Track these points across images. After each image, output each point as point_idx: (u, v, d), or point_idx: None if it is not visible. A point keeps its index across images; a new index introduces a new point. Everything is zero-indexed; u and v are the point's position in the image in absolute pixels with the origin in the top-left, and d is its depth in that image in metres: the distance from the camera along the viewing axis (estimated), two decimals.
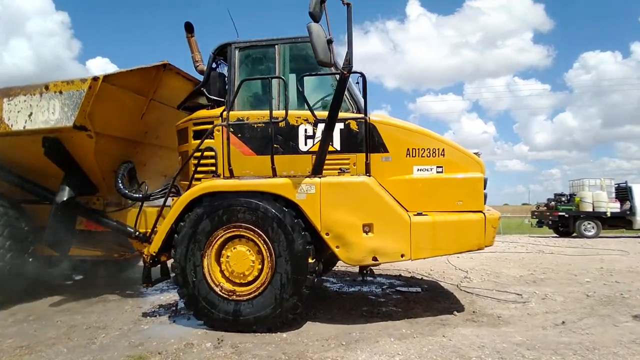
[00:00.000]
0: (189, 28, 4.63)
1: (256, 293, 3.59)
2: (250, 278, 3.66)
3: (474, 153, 3.95)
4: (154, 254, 3.85)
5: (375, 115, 3.94)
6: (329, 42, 3.10)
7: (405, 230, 3.48)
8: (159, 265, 4.11)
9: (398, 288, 5.27)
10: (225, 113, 3.94)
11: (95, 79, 4.09)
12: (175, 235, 3.76)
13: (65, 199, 4.40)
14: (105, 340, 3.46)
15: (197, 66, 4.65)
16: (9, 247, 4.33)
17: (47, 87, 4.19)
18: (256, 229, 3.60)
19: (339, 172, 3.74)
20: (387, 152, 3.80)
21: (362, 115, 3.73)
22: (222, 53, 4.28)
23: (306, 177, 3.62)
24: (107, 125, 4.44)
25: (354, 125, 3.82)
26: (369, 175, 3.72)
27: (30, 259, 4.64)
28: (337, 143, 3.85)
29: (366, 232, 3.50)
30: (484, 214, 3.64)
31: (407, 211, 3.66)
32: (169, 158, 5.53)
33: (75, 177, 4.60)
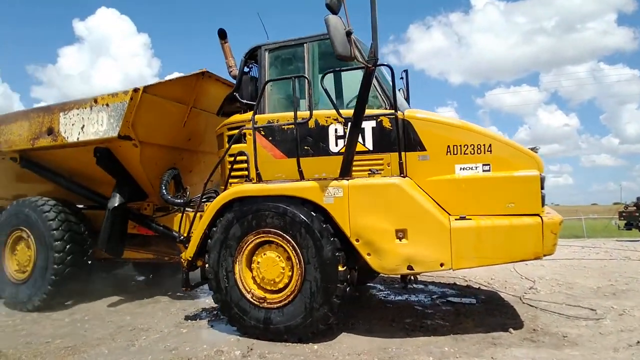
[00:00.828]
0: (222, 34, 4.68)
1: (286, 301, 3.46)
2: (280, 285, 3.54)
3: (531, 148, 3.45)
4: (190, 259, 3.90)
5: (411, 111, 3.63)
6: (348, 34, 2.88)
7: (444, 236, 3.12)
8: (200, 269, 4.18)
9: (450, 298, 4.82)
10: (255, 117, 3.89)
11: (135, 90, 4.28)
12: (209, 240, 3.78)
13: (116, 204, 4.67)
14: (144, 342, 3.56)
15: (231, 71, 4.68)
16: (69, 250, 4.68)
17: (95, 101, 4.48)
18: (285, 235, 3.48)
19: (369, 174, 3.48)
20: (425, 150, 3.46)
21: (392, 112, 3.43)
22: (253, 56, 4.25)
23: (333, 179, 3.42)
24: (150, 134, 4.64)
25: (386, 123, 3.54)
26: (404, 176, 3.42)
27: (89, 262, 4.99)
28: (369, 142, 3.61)
29: (399, 239, 3.20)
30: (541, 217, 3.14)
31: (450, 215, 3.30)
32: (214, 163, 5.66)
33: (126, 184, 4.87)
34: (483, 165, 3.39)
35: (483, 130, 3.49)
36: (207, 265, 3.78)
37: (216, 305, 4.67)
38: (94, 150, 4.59)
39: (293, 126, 3.70)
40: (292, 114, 3.71)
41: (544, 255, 3.20)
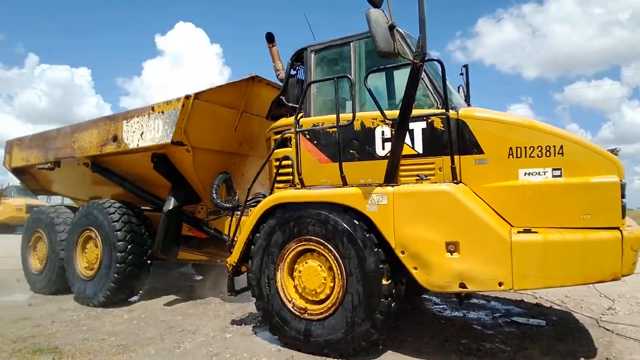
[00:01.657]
0: (269, 38, 4.66)
1: (327, 313, 3.29)
2: (322, 296, 3.38)
3: (610, 150, 2.93)
4: (234, 264, 3.90)
5: (467, 110, 3.27)
6: (391, 28, 2.64)
7: (502, 251, 2.74)
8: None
9: (515, 318, 4.30)
10: (300, 120, 3.79)
11: (187, 97, 4.41)
12: (252, 246, 3.74)
13: (170, 207, 4.86)
14: (189, 345, 3.61)
15: (278, 75, 4.64)
16: (130, 250, 4.96)
17: (153, 109, 4.70)
18: (326, 244, 3.31)
19: (416, 180, 3.19)
20: (482, 153, 3.09)
21: (443, 111, 3.11)
22: (299, 59, 4.16)
23: (377, 185, 3.18)
24: (202, 140, 4.76)
25: (438, 124, 3.22)
26: (457, 183, 3.07)
27: (149, 261, 5.25)
28: (418, 145, 3.32)
29: (450, 252, 2.87)
30: (620, 231, 2.63)
31: (512, 227, 2.90)
32: (265, 167, 5.70)
33: (180, 188, 5.05)
34: (553, 169, 2.92)
35: (553, 129, 3.02)
36: (249, 272, 3.74)
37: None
38: (152, 156, 4.82)
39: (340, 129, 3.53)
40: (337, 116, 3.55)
41: (623, 276, 2.68)
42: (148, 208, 5.66)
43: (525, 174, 2.99)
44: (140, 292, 5.58)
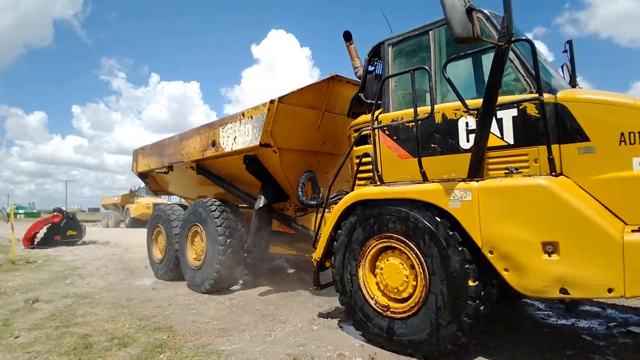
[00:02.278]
0: (347, 36, 4.68)
1: (410, 313, 3.21)
2: (404, 295, 3.31)
3: None
4: (319, 259, 4.03)
5: (567, 92, 2.88)
6: (469, 11, 2.45)
7: (612, 252, 2.36)
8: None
9: (631, 328, 3.67)
10: (379, 115, 3.76)
11: (272, 101, 4.67)
12: (335, 242, 3.83)
13: (261, 205, 5.22)
14: (279, 334, 3.85)
15: (357, 72, 4.64)
16: (229, 244, 5.46)
17: (243, 115, 5.09)
18: (407, 241, 3.23)
19: (505, 173, 2.91)
20: (588, 140, 2.69)
21: (535, 96, 2.78)
22: (377, 54, 4.11)
23: (460, 181, 2.99)
24: (287, 140, 5.00)
25: (531, 110, 2.90)
26: (556, 175, 2.73)
27: (245, 255, 5.72)
28: (508, 135, 3.02)
29: (548, 254, 2.56)
30: None
31: (626, 224, 2.49)
32: (348, 165, 5.76)
33: (270, 187, 5.39)
34: None
35: None
36: (333, 267, 3.84)
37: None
38: (244, 158, 5.23)
39: (419, 123, 3.41)
40: (419, 109, 3.43)
41: None
42: (244, 205, 6.16)
43: None
44: (240, 282, 6.11)
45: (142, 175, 8.14)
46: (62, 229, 13.35)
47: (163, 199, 21.02)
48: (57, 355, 3.38)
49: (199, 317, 4.47)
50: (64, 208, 15.50)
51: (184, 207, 7.07)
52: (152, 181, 8.17)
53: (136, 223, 24.60)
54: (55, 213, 13.66)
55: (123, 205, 27.01)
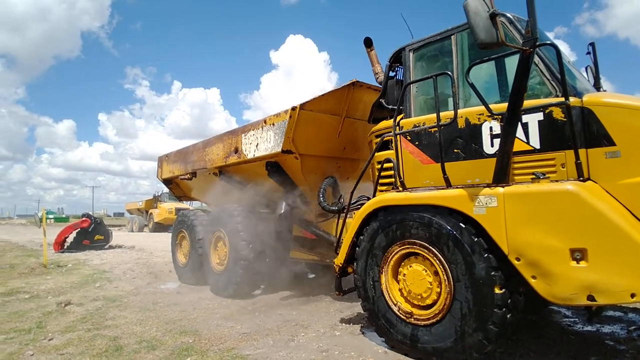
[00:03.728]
0: (368, 43, 4.70)
1: (434, 320, 3.18)
2: (428, 301, 3.28)
3: None
4: (341, 265, 4.04)
5: (593, 95, 2.82)
6: (493, 16, 2.44)
7: (637, 258, 2.29)
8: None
9: None
10: (401, 121, 3.76)
11: (293, 108, 4.73)
12: (357, 248, 3.83)
13: (282, 211, 5.28)
14: (302, 339, 3.88)
15: (377, 78, 4.65)
16: (251, 250, 5.54)
17: (265, 122, 5.17)
18: (431, 247, 3.21)
19: (532, 179, 2.86)
20: (614, 144, 2.64)
21: (561, 100, 2.73)
22: (398, 60, 4.12)
23: (485, 186, 2.96)
24: (308, 147, 5.05)
25: (557, 114, 2.85)
26: (584, 180, 2.67)
27: (267, 260, 5.78)
28: (534, 139, 2.97)
29: (576, 260, 2.51)
30: None
31: None
32: (369, 171, 5.76)
33: (291, 192, 5.45)
34: None
35: None
36: (355, 273, 3.84)
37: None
38: (266, 164, 5.31)
39: (441, 128, 3.40)
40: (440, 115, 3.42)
41: None
42: (265, 211, 6.23)
43: None
44: (262, 286, 6.17)
45: (167, 182, 8.36)
46: (91, 233, 13.80)
47: (185, 204, 21.45)
48: (90, 357, 3.50)
49: (222, 321, 4.55)
50: (91, 213, 16.01)
51: (207, 213, 7.21)
52: (176, 187, 8.37)
53: (159, 227, 25.18)
54: (83, 218, 14.14)
55: (147, 210, 27.70)
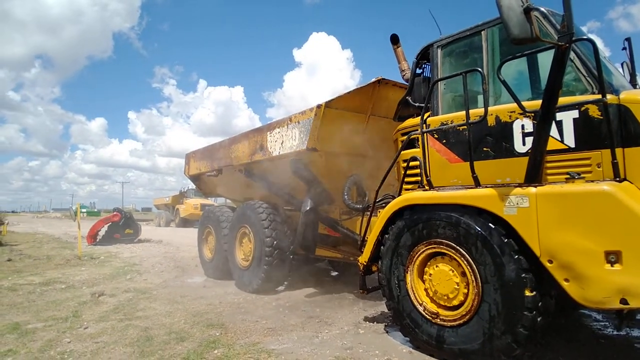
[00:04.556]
0: (394, 39, 4.65)
1: (461, 321, 3.13)
2: (455, 302, 3.24)
3: None
4: (365, 263, 4.04)
5: (630, 93, 2.71)
6: (527, 10, 2.37)
7: None
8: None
9: None
10: (428, 119, 3.71)
11: (318, 106, 4.75)
12: (382, 246, 3.82)
13: (307, 208, 5.31)
14: (326, 336, 3.90)
15: (404, 75, 4.60)
16: (275, 245, 5.61)
17: (290, 120, 5.21)
18: (458, 247, 3.16)
19: (566, 179, 2.77)
20: None
21: (598, 97, 2.62)
22: (425, 56, 4.06)
23: (516, 186, 2.88)
24: (333, 144, 5.06)
25: (594, 111, 2.74)
26: (620, 180, 2.57)
27: (291, 256, 5.84)
28: (569, 138, 2.87)
29: (611, 263, 2.42)
30: None
31: None
32: (394, 169, 5.71)
33: (316, 190, 5.47)
34: None
35: None
36: (379, 272, 3.83)
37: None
38: (290, 162, 5.35)
39: (470, 126, 3.33)
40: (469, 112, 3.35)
41: None
42: (290, 208, 6.29)
43: None
44: (285, 283, 6.24)
45: (194, 178, 8.55)
46: (121, 227, 14.32)
47: (210, 200, 21.89)
48: (123, 346, 3.65)
49: (248, 315, 4.63)
50: (121, 208, 16.60)
51: (233, 209, 7.35)
52: (203, 184, 8.55)
53: (185, 223, 25.81)
54: (114, 212, 14.69)
55: (173, 205, 28.45)
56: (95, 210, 49.25)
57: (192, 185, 9.34)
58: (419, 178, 3.75)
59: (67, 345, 3.70)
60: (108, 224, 14.38)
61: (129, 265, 8.91)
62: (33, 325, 4.35)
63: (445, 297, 3.29)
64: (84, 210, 41.09)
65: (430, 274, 3.41)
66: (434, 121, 3.69)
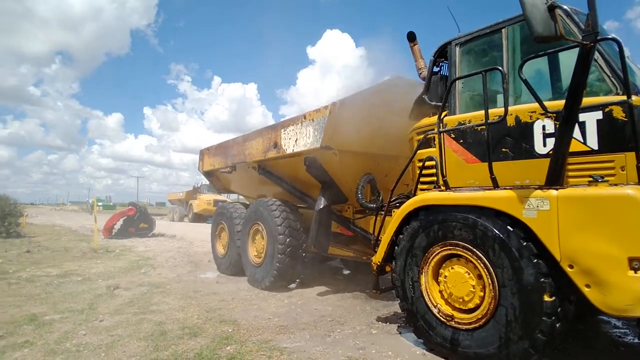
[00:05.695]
0: (411, 37, 4.59)
1: (476, 325, 3.08)
2: (470, 305, 3.19)
3: None
4: (379, 263, 4.01)
5: None
6: (551, 8, 2.30)
7: None
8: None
9: None
10: (445, 118, 3.65)
11: (333, 104, 4.72)
12: (396, 247, 3.78)
13: (321, 207, 5.30)
14: (338, 335, 3.89)
15: (420, 73, 4.54)
16: (288, 243, 5.61)
17: (304, 117, 5.20)
18: (475, 250, 3.10)
19: (589, 182, 2.69)
20: None
21: (623, 98, 2.54)
22: (443, 55, 4.00)
23: (536, 188, 2.81)
24: (347, 143, 5.02)
25: (618, 113, 2.66)
26: None
27: (304, 254, 5.84)
28: (592, 140, 2.80)
29: (635, 270, 2.34)
30: None
31: None
32: (409, 168, 5.65)
33: (329, 188, 5.45)
34: None
35: None
36: (393, 273, 3.80)
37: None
38: (304, 159, 5.34)
39: (489, 126, 3.27)
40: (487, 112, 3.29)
41: None
42: (303, 206, 6.29)
43: None
44: (297, 280, 6.25)
45: (207, 174, 8.62)
46: (136, 221, 14.56)
47: (223, 196, 22.05)
48: (137, 340, 3.70)
49: (260, 312, 4.65)
50: (136, 202, 16.87)
51: (246, 206, 7.38)
52: (216, 180, 8.62)
53: (198, 218, 26.10)
54: (130, 207, 14.93)
55: (187, 200, 28.78)
56: (111, 204, 50.16)
57: (205, 181, 9.42)
58: (435, 178, 3.70)
59: (82, 338, 3.77)
60: (123, 218, 14.62)
61: (144, 259, 9.04)
62: (50, 316, 4.44)
63: (461, 300, 3.24)
64: (100, 203, 41.90)
65: (446, 276, 3.37)
66: (451, 120, 3.63)
